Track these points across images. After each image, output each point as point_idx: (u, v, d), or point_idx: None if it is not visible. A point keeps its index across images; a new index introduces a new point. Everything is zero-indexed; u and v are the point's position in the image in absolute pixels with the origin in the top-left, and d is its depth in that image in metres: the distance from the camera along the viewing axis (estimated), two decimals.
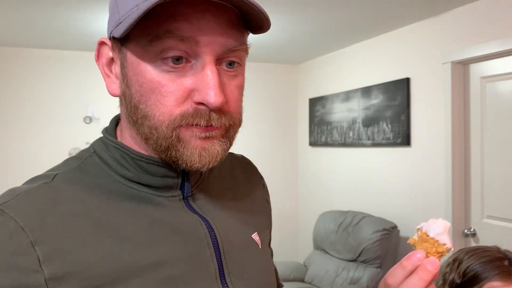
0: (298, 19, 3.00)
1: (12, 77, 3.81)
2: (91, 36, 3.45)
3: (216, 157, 0.55)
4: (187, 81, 0.52)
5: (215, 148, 0.55)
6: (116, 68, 0.57)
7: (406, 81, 3.13)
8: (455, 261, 1.05)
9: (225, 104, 0.54)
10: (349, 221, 3.18)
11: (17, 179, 3.99)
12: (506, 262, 1.00)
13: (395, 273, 0.57)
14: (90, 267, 0.50)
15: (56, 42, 3.68)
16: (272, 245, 0.80)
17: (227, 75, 0.55)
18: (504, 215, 2.55)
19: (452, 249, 0.58)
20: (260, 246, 0.69)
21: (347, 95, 3.76)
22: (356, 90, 3.65)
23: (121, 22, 0.53)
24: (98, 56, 0.58)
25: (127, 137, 0.59)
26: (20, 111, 3.84)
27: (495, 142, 2.62)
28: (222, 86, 0.53)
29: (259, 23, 0.54)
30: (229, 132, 0.57)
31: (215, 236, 0.60)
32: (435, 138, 2.93)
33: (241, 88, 0.58)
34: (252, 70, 4.01)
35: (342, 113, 3.82)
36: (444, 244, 0.53)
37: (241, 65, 0.57)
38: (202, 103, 0.52)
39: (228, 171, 0.73)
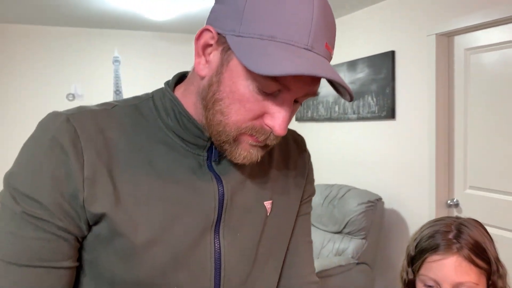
0: None
1: None
2: (75, 11, 3.37)
3: (254, 160, 0.66)
4: (267, 105, 0.61)
5: (258, 154, 0.66)
6: (212, 56, 0.63)
7: (391, 54, 3.12)
8: (415, 234, 1.02)
9: None
10: (335, 194, 3.21)
11: None
12: (451, 235, 0.93)
13: None
14: (118, 181, 0.63)
15: (38, 18, 3.59)
16: None
17: (292, 108, 0.64)
18: (486, 186, 2.60)
19: None
20: (268, 213, 0.74)
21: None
22: (342, 64, 3.64)
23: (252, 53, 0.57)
24: (198, 37, 0.63)
25: (189, 101, 0.68)
26: (0, 88, 3.76)
27: (478, 114, 2.64)
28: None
29: (343, 93, 0.63)
30: (269, 146, 0.67)
31: (223, 192, 0.68)
32: (419, 110, 2.94)
33: (293, 116, 0.68)
34: None
35: (328, 87, 3.81)
36: None
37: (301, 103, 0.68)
38: (269, 126, 0.62)
39: None
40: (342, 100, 3.63)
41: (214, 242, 0.67)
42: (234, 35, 0.59)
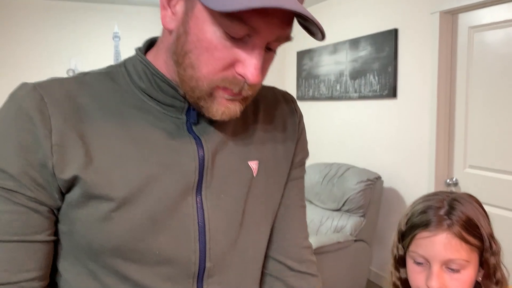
0: None
1: None
2: None
3: (234, 115, 0.64)
4: (237, 53, 0.59)
5: (236, 109, 0.64)
6: (177, 7, 0.61)
7: (394, 32, 3.09)
8: (407, 209, 0.98)
9: None
10: (334, 173, 3.22)
11: None
12: (442, 211, 0.89)
13: None
14: (90, 145, 0.61)
15: None
16: None
17: (265, 57, 0.62)
18: (486, 165, 2.60)
19: None
20: (254, 174, 0.72)
21: (335, 47, 3.71)
22: (344, 42, 3.60)
23: None
24: None
25: (161, 60, 0.66)
26: (0, 65, 3.74)
27: (480, 92, 2.63)
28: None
29: (315, 32, 0.60)
30: (249, 98, 0.65)
31: (203, 153, 0.66)
32: (421, 89, 2.93)
33: (269, 66, 0.65)
34: None
35: (330, 66, 3.78)
36: None
37: (275, 51, 0.64)
38: (241, 75, 0.60)
39: (251, 102, 0.75)
40: (344, 79, 3.61)
41: (197, 205, 0.66)
42: None
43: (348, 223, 2.95)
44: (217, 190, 0.67)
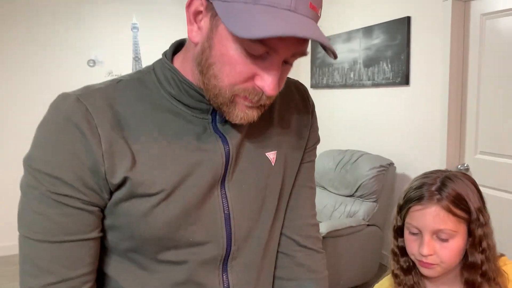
0: None
1: (13, 19, 3.82)
2: None
3: (251, 120, 0.70)
4: (256, 68, 0.64)
5: (254, 114, 0.69)
6: (203, 23, 0.66)
7: (407, 20, 3.12)
8: (407, 185, 1.08)
9: None
10: (347, 159, 3.29)
11: (22, 123, 4.06)
12: (434, 187, 1.00)
13: None
14: (132, 149, 0.67)
15: None
16: None
17: (282, 70, 0.68)
18: (497, 151, 2.64)
19: None
20: (272, 163, 0.80)
21: (349, 36, 3.75)
22: (358, 30, 3.64)
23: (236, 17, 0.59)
24: (188, 5, 0.66)
25: (187, 68, 0.71)
26: (22, 54, 3.88)
27: (492, 79, 2.65)
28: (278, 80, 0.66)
29: (328, 53, 0.67)
30: (266, 105, 0.71)
31: (229, 150, 0.73)
32: (433, 76, 2.96)
33: (286, 76, 0.71)
34: None
35: (344, 54, 3.83)
36: None
37: (292, 63, 0.70)
38: (260, 87, 0.65)
39: None
40: (358, 67, 3.65)
41: (221, 196, 0.73)
42: (221, 0, 0.61)
43: (361, 209, 3.03)
44: (238, 182, 0.75)
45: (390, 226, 1.11)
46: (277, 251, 0.89)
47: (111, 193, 0.67)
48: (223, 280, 0.76)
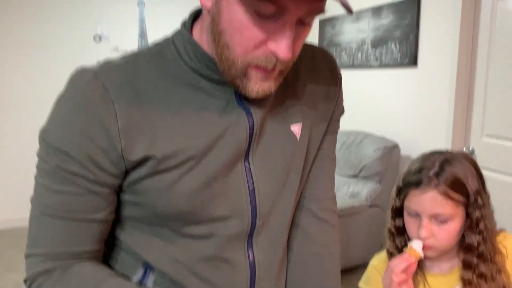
0: None
1: None
2: None
3: (268, 93, 0.67)
4: (268, 31, 0.60)
5: (270, 86, 0.66)
6: None
7: (417, 0, 3.06)
8: (406, 167, 1.08)
9: None
10: (352, 141, 3.28)
11: (29, 98, 4.08)
12: (432, 172, 1.00)
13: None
14: (152, 125, 0.65)
15: None
16: None
17: (298, 31, 0.63)
18: (503, 134, 2.61)
19: (422, 256, 1.00)
20: (298, 138, 0.77)
21: (358, 16, 3.70)
22: (367, 10, 3.59)
23: None
24: None
25: (204, 39, 0.68)
26: (28, 30, 3.87)
27: (501, 62, 2.61)
28: (292, 43, 0.62)
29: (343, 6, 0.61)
30: (284, 72, 0.67)
31: (253, 123, 0.70)
32: (441, 58, 2.92)
33: (304, 40, 0.66)
34: None
35: (352, 34, 3.78)
36: (418, 253, 0.99)
37: (311, 24, 0.65)
38: (273, 52, 0.61)
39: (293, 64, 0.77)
40: (365, 47, 3.61)
41: (245, 170, 0.71)
42: None
43: (363, 190, 3.03)
44: (263, 156, 0.73)
45: (389, 206, 1.11)
46: None
47: (127, 172, 0.66)
48: (248, 255, 0.74)
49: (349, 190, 3.10)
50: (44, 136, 0.65)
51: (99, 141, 0.63)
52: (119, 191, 0.69)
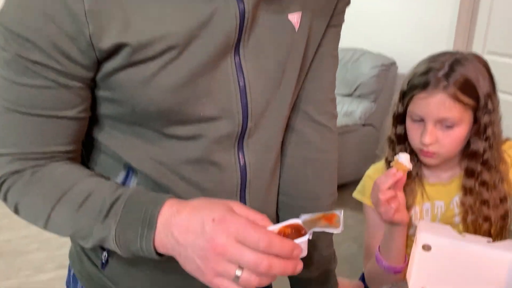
0: None
1: None
2: None
3: None
4: None
5: None
6: None
7: None
8: (412, 69, 1.00)
9: None
10: (349, 58, 3.17)
11: None
12: (441, 73, 0.92)
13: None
14: (126, 8, 0.56)
15: None
16: None
17: None
18: (506, 51, 2.53)
19: (410, 168, 0.89)
20: (296, 28, 0.67)
21: None
22: None
23: None
24: None
25: None
26: None
27: None
28: None
29: None
30: None
31: (244, 9, 0.60)
32: None
33: None
34: None
35: None
36: (405, 166, 0.88)
37: None
38: None
39: None
40: None
41: (235, 66, 0.64)
42: None
43: (358, 108, 2.98)
44: (256, 51, 0.65)
45: (390, 113, 1.05)
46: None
47: (99, 63, 0.58)
48: (239, 159, 0.69)
49: (344, 109, 3.05)
50: (2, 20, 0.55)
51: (63, 24, 0.54)
52: (93, 86, 0.61)
